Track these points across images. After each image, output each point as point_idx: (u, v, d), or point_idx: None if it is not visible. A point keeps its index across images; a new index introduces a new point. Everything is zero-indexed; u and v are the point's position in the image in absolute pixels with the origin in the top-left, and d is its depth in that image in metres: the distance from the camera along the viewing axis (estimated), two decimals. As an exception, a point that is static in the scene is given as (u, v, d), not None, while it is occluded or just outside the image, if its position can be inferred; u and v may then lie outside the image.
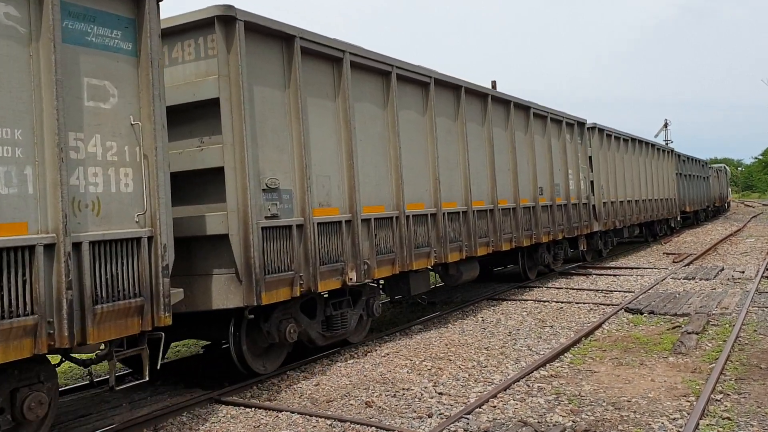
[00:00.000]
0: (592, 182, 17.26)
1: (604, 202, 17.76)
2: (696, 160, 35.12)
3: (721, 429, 5.33)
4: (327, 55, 8.03)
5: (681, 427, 5.36)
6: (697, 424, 5.36)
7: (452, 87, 10.90)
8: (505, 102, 12.78)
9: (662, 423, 5.50)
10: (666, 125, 64.71)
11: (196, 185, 6.88)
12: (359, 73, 8.60)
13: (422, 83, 10.04)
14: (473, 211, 10.94)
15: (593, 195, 17.21)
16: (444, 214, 10.05)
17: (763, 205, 61.22)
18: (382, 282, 9.76)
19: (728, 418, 5.54)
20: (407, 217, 9.21)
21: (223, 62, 6.66)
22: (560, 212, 14.73)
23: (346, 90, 8.16)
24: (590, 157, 17.40)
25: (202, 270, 6.85)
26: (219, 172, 6.61)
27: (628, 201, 20.35)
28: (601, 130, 18.44)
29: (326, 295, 8.24)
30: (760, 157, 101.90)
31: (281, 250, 7.00)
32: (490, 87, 13.73)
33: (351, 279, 7.96)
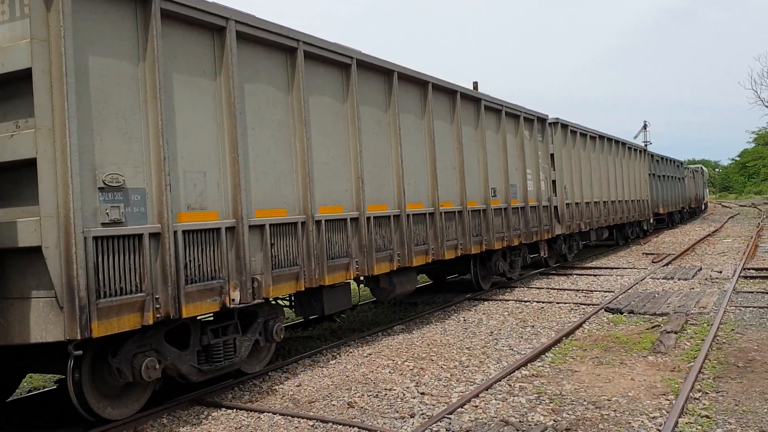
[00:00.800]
0: (554, 182, 16.17)
1: (567, 204, 16.65)
2: (671, 161, 33.98)
3: (699, 427, 5.39)
4: (203, 23, 6.52)
5: (660, 426, 5.42)
6: (677, 422, 5.42)
7: (382, 71, 9.47)
8: (449, 92, 11.39)
9: (642, 421, 5.55)
10: (645, 126, 65.39)
11: (8, 182, 5.45)
12: (251, 47, 7.17)
13: (340, 64, 8.58)
14: (408, 215, 9.66)
15: (555, 196, 16.12)
16: (370, 218, 8.77)
17: (740, 206, 62.04)
18: (287, 299, 8.49)
19: (707, 416, 5.61)
20: (318, 222, 7.80)
21: (38, 22, 5.19)
22: (516, 216, 13.52)
23: (230, 67, 6.64)
24: (552, 155, 16.24)
25: (17, 292, 5.39)
26: (34, 164, 5.20)
27: (596, 202, 19.22)
28: (564, 126, 17.19)
29: (209, 319, 6.87)
30: (737, 159, 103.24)
31: (126, 266, 5.53)
32: (471, 87, 13.70)
33: (233, 300, 6.49)
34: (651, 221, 27.47)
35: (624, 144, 23.35)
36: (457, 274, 14.29)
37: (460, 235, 11.20)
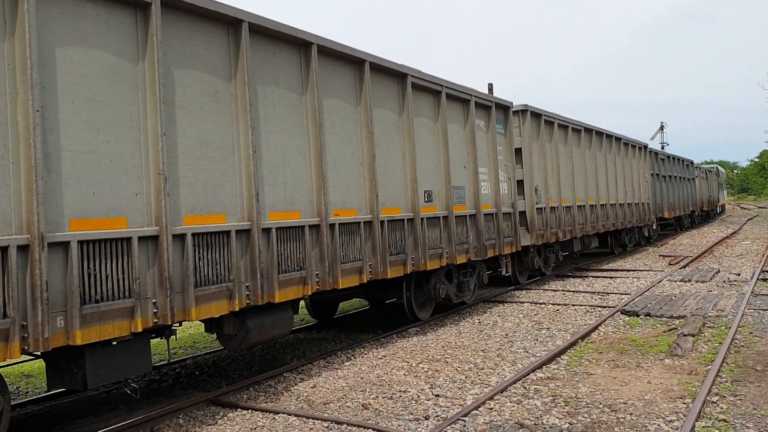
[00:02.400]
0: (521, 183, 13.68)
1: (540, 209, 13.96)
2: (678, 160, 30.73)
3: (717, 431, 5.35)
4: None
5: (677, 429, 5.38)
6: (693, 425, 5.38)
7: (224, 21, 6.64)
8: (353, 61, 8.45)
9: (658, 425, 5.51)
10: (662, 128, 64.88)
11: None
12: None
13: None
14: (266, 230, 6.74)
15: (523, 200, 13.65)
16: (189, 236, 5.93)
17: (759, 207, 61.39)
18: None
19: (724, 420, 5.56)
20: (80, 246, 5.07)
21: None
22: (464, 226, 10.67)
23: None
24: (519, 150, 13.65)
25: None
26: None
27: (581, 206, 16.47)
28: (536, 115, 14.34)
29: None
30: (756, 160, 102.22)
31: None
32: (486, 90, 13.66)
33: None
34: (654, 226, 24.70)
35: (619, 139, 20.47)
36: (396, 299, 10.65)
37: (369, 255, 8.38)
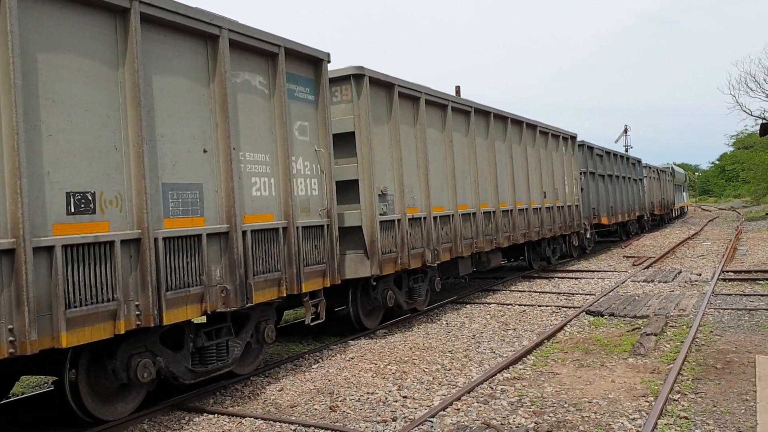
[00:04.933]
0: (353, 183, 9.34)
1: (389, 221, 9.62)
2: (621, 157, 26.97)
3: (678, 428, 5.45)
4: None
5: (640, 427, 5.47)
6: (656, 423, 5.47)
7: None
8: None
9: (622, 423, 5.60)
10: (626, 131, 65.99)
11: None
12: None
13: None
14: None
15: (358, 208, 9.29)
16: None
17: (720, 209, 62.83)
18: None
19: (686, 417, 5.67)
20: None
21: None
22: (197, 252, 6.33)
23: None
24: (349, 135, 9.28)
25: None
26: None
27: (469, 214, 12.22)
28: (383, 86, 9.87)
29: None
30: (717, 163, 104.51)
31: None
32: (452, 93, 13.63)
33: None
34: (588, 235, 21.10)
35: (533, 127, 16.21)
36: None
37: None
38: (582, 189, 20.32)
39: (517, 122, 15.28)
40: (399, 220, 9.93)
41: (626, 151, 54.04)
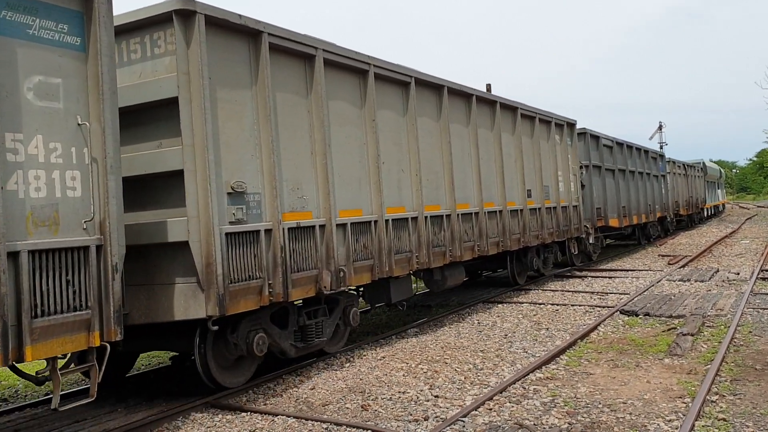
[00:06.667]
0: (176, 175, 6.38)
1: (242, 233, 6.63)
2: (639, 150, 23.21)
3: (717, 430, 5.34)
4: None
5: (677, 429, 5.37)
6: (693, 425, 5.37)
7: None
8: None
9: (658, 424, 5.51)
10: (660, 128, 64.90)
11: None
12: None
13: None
14: None
15: (186, 215, 6.30)
16: None
17: (758, 206, 61.46)
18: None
19: (724, 419, 5.55)
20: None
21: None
22: None
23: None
24: (165, 103, 6.42)
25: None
26: None
27: (403, 219, 9.26)
28: (226, 28, 6.72)
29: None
30: (754, 159, 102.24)
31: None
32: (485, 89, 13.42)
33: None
34: (592, 240, 17.78)
35: (512, 108, 13.05)
36: None
37: None
38: (583, 185, 17.33)
39: (487, 102, 12.16)
40: (268, 231, 6.90)
41: (660, 148, 53.04)
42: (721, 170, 52.67)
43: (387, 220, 8.90)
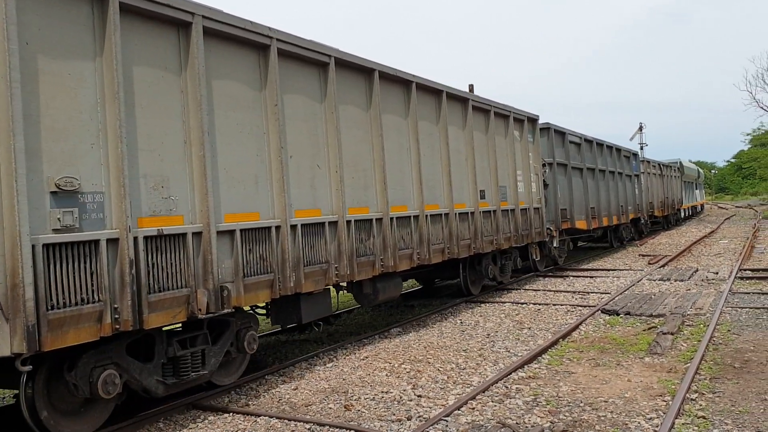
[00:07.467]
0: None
1: (72, 244, 5.05)
2: (610, 148, 22.05)
3: (696, 428, 5.40)
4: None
5: (657, 427, 5.42)
6: (673, 423, 5.42)
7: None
8: None
9: (639, 422, 5.55)
10: (641, 128, 65.46)
11: None
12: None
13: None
14: None
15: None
16: None
17: (736, 207, 62.25)
18: None
19: (703, 417, 5.61)
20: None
21: None
22: None
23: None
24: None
25: None
26: None
27: (316, 224, 7.85)
28: (138, 15, 5.80)
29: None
30: (733, 160, 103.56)
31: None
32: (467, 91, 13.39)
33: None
34: (556, 244, 16.68)
35: (463, 100, 11.86)
36: None
37: None
38: (546, 185, 16.06)
39: (431, 91, 10.81)
40: (113, 241, 5.41)
41: (641, 149, 53.41)
42: (700, 170, 52.79)
43: (294, 226, 7.43)
